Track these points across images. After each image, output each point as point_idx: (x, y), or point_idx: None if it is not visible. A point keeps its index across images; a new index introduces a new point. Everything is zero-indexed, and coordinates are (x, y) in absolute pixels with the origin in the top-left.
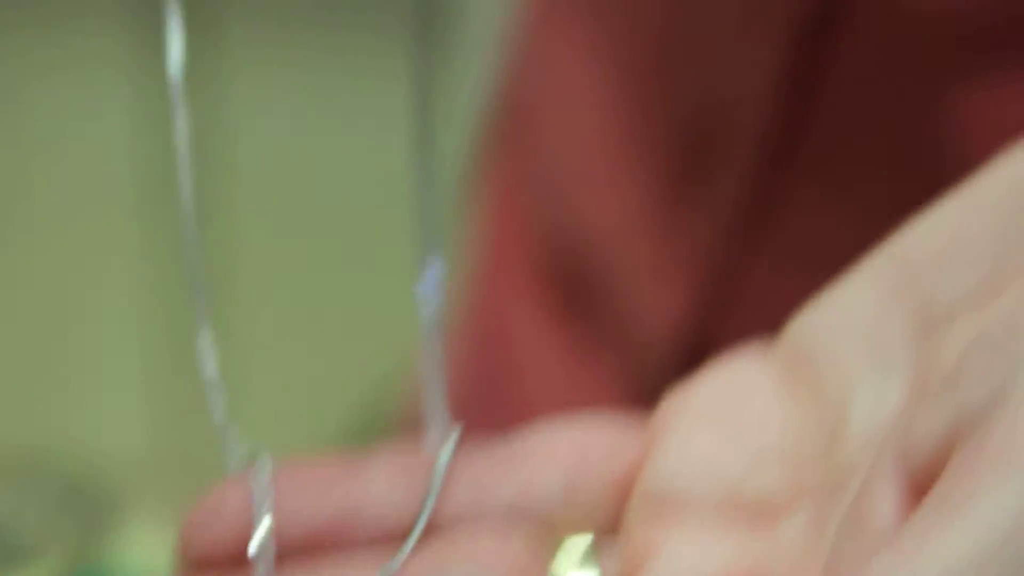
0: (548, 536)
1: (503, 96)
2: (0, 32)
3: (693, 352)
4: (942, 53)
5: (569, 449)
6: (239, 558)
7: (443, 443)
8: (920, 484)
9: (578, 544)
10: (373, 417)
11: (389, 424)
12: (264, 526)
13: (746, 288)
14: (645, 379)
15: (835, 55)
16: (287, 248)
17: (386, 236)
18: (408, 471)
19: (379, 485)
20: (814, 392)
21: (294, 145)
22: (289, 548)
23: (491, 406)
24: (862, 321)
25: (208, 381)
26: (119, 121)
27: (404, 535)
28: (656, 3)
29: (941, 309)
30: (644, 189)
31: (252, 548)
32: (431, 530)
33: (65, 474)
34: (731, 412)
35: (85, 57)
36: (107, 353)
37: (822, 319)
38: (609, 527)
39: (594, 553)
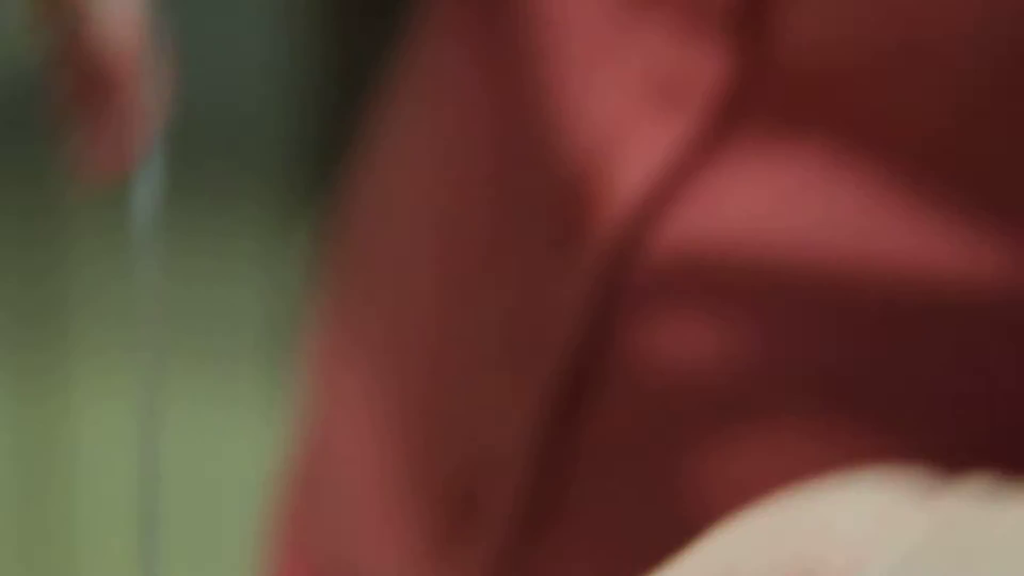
0: None
1: (292, 453)
2: None
3: None
4: (689, 420)
5: None
6: None
7: None
8: None
9: None
10: None
11: None
12: None
13: None
14: None
15: (589, 414)
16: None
17: None
18: None
19: None
20: None
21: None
22: None
23: None
24: None
25: None
26: None
27: None
28: (420, 363)
29: None
30: (416, 545)
31: None
32: None
33: None
34: None
35: None
36: None
37: None
38: None
39: None
